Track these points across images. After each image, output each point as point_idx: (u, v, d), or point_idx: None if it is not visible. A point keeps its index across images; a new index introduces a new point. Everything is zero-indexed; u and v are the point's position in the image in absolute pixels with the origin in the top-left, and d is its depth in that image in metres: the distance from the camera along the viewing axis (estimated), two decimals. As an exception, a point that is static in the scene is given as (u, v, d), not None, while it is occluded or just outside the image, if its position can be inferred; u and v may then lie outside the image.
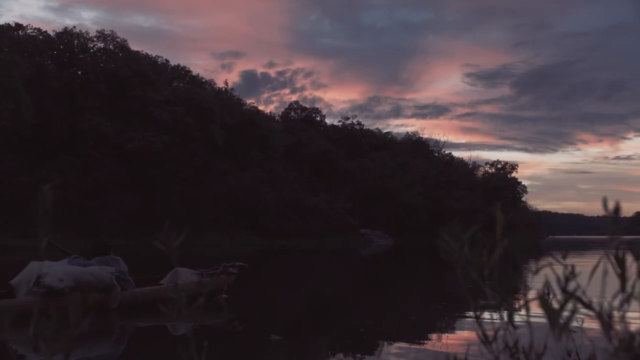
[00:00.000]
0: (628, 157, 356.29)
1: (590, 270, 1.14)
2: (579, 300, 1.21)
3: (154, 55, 57.25)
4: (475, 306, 1.03)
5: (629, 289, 1.16)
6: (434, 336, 5.81)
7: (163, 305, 1.08)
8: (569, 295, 1.15)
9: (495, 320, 1.10)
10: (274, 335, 5.25)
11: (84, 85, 46.54)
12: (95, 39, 50.75)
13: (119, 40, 51.23)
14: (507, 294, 1.03)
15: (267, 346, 5.34)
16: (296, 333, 6.23)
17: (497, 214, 1.10)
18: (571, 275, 1.17)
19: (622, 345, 1.06)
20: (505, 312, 1.04)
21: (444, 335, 5.95)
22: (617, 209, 0.99)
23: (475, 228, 1.29)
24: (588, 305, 1.18)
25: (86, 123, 43.94)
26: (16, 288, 7.04)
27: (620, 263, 1.18)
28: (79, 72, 47.94)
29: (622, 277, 1.16)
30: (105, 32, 51.15)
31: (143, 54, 53.74)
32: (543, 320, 0.99)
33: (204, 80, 62.27)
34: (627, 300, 1.16)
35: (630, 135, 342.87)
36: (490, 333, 1.14)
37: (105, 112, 46.42)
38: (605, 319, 1.10)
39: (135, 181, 45.63)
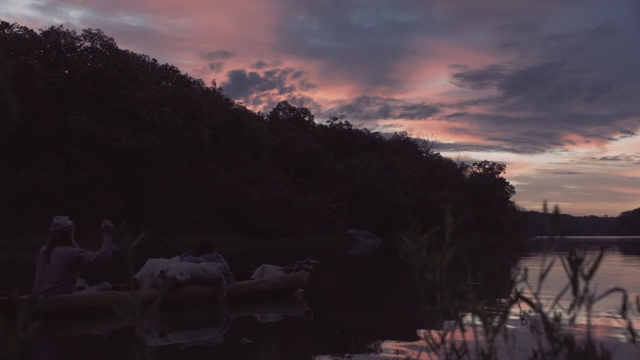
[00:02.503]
0: (614, 158, 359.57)
1: (542, 272, 1.19)
2: (527, 301, 1.26)
3: (141, 55, 57.14)
4: (427, 309, 1.08)
5: (580, 292, 1.21)
6: (419, 335, 5.86)
7: (118, 307, 1.13)
8: (515, 297, 1.20)
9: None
10: (244, 339, 5.27)
11: (70, 84, 46.28)
12: (82, 38, 50.53)
13: (105, 39, 51.05)
14: (457, 298, 1.07)
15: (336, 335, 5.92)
16: (278, 334, 6.30)
17: (447, 218, 1.14)
18: (523, 277, 1.22)
19: (559, 348, 1.11)
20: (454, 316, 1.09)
21: (425, 334, 6.01)
22: (556, 212, 1.04)
23: (433, 231, 1.34)
24: (535, 307, 1.23)
25: (73, 122, 43.71)
26: (139, 282, 7.91)
27: (573, 266, 1.23)
28: (66, 72, 47.68)
29: (574, 281, 1.22)
30: (92, 31, 50.99)
31: (130, 53, 53.54)
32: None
33: (192, 80, 62.21)
34: (578, 303, 1.22)
35: (617, 136, 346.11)
36: (439, 336, 1.19)
37: (92, 111, 46.21)
38: (548, 321, 1.16)
39: (122, 181, 45.45)
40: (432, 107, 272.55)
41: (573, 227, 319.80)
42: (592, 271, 1.11)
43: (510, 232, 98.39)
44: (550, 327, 1.02)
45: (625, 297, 1.09)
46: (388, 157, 76.35)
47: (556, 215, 1.05)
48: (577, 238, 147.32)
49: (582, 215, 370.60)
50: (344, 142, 78.68)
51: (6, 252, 27.08)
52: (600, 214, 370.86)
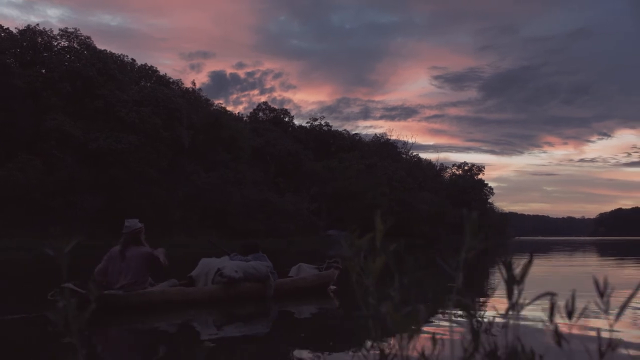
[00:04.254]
0: (592, 160, 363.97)
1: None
2: (462, 304, 1.30)
3: (120, 55, 56.68)
4: (357, 314, 1.11)
5: (514, 297, 1.25)
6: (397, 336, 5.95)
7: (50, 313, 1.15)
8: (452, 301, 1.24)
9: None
10: (207, 343, 5.36)
11: (47, 83, 45.74)
12: (58, 37, 49.97)
13: (82, 38, 50.53)
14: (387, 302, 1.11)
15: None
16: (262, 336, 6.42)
17: (377, 222, 1.17)
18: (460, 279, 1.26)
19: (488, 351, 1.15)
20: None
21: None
22: (473, 218, 1.08)
23: (370, 235, 1.37)
24: (466, 309, 1.27)
25: (50, 122, 43.23)
26: (195, 279, 8.67)
27: (509, 269, 1.28)
28: (43, 71, 47.13)
29: (509, 285, 1.26)
30: (69, 30, 50.42)
31: (109, 52, 53.09)
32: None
33: (171, 80, 61.80)
34: (513, 308, 1.26)
35: (594, 138, 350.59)
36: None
37: (70, 111, 45.75)
38: (474, 324, 1.19)
39: (101, 181, 45.06)
40: (412, 109, 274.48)
41: (551, 228, 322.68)
42: (522, 276, 1.15)
43: (491, 234, 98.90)
44: (476, 331, 1.06)
45: (552, 302, 1.13)
46: (368, 158, 76.46)
47: (474, 221, 1.09)
48: (555, 239, 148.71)
49: (560, 217, 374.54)
50: (324, 143, 78.68)
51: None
52: (578, 215, 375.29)
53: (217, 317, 7.52)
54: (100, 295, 6.98)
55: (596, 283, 1.14)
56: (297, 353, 4.98)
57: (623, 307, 1.09)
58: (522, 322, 1.22)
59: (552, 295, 1.16)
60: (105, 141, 44.82)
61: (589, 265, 19.88)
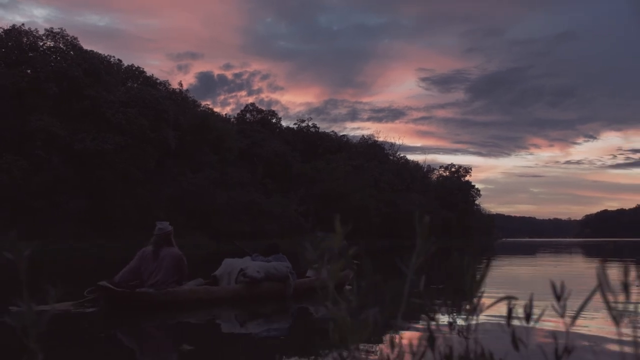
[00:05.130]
0: (578, 162, 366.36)
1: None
2: (422, 307, 1.31)
3: (106, 55, 56.41)
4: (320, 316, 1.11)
5: (474, 300, 1.26)
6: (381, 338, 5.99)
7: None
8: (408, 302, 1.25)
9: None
10: (184, 345, 5.38)
11: (33, 84, 45.41)
12: (44, 37, 49.59)
13: (69, 38, 50.17)
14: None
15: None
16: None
17: (336, 226, 1.17)
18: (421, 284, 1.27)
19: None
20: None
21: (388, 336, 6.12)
22: (425, 221, 1.08)
23: (333, 238, 1.37)
24: (427, 312, 1.28)
25: (35, 123, 42.93)
26: (219, 278, 9.09)
27: (466, 271, 1.28)
28: (28, 71, 46.78)
29: (468, 289, 1.27)
30: (55, 30, 50.05)
31: (95, 53, 52.78)
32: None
33: (158, 81, 61.60)
34: (473, 312, 1.27)
35: (580, 140, 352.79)
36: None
37: (56, 111, 45.44)
38: (429, 328, 1.20)
39: (86, 182, 44.81)
40: (399, 110, 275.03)
41: (537, 229, 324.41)
42: (480, 282, 1.15)
43: (477, 235, 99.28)
44: (432, 336, 1.07)
45: (510, 307, 1.14)
46: (355, 159, 76.53)
47: (425, 225, 1.10)
48: (541, 240, 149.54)
49: (547, 218, 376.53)
50: (311, 144, 78.65)
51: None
52: (564, 217, 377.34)
53: (240, 314, 7.98)
54: (133, 293, 7.72)
55: (553, 287, 1.15)
56: (314, 348, 5.19)
57: (579, 311, 1.10)
58: (490, 326, 1.24)
59: (510, 299, 1.17)
60: (91, 142, 44.58)
61: (573, 268, 20.02)
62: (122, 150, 45.43)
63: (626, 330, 1.01)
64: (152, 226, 9.26)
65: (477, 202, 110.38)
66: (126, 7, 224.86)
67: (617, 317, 0.93)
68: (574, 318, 1.13)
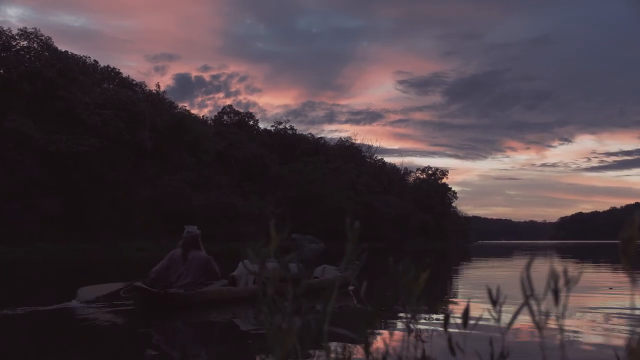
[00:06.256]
0: (553, 165, 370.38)
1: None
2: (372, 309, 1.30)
3: (82, 56, 55.87)
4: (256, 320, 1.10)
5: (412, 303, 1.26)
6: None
7: None
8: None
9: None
10: (149, 351, 5.43)
11: (6, 84, 44.84)
12: (17, 37, 48.92)
13: (43, 38, 49.54)
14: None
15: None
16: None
17: (271, 231, 1.17)
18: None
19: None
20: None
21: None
22: (355, 227, 1.08)
23: (274, 245, 1.37)
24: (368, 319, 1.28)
25: (8, 123, 42.36)
26: (237, 279, 9.55)
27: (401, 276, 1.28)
28: (1, 71, 46.19)
29: (408, 292, 1.27)
30: (29, 30, 49.40)
31: (70, 54, 52.25)
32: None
33: (134, 82, 61.17)
34: (413, 318, 1.27)
35: (555, 143, 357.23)
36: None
37: (29, 112, 44.88)
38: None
39: (61, 184, 44.29)
40: (377, 113, 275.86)
41: (513, 231, 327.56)
42: (418, 285, 1.15)
43: (453, 238, 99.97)
44: (366, 345, 1.06)
45: (447, 314, 1.14)
46: (332, 162, 76.65)
47: (356, 231, 1.09)
48: (517, 242, 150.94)
49: (522, 220, 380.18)
50: (289, 146, 78.63)
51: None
52: (539, 219, 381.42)
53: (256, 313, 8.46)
54: (167, 293, 8.35)
55: (489, 292, 1.15)
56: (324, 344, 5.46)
57: (514, 317, 1.11)
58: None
59: (445, 306, 1.18)
60: (66, 143, 44.08)
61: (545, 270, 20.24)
62: (97, 152, 45.02)
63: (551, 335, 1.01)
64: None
65: (453, 204, 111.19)
66: (102, 8, 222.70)
67: (540, 323, 0.94)
68: (509, 324, 1.13)
